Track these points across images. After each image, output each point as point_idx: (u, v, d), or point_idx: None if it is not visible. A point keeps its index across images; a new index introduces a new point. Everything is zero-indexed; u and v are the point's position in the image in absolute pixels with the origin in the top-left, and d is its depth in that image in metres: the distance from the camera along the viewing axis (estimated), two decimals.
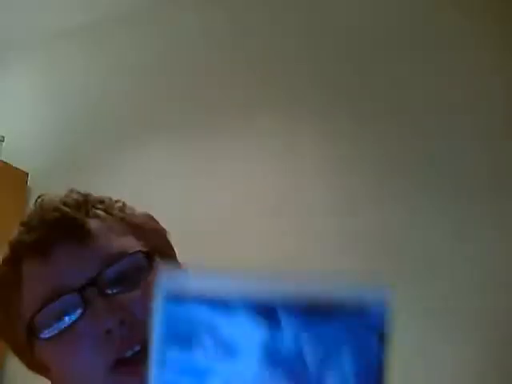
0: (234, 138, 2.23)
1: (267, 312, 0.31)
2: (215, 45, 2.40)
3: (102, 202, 0.73)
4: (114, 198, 0.76)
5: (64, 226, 0.67)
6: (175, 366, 0.31)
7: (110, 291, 0.64)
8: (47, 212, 0.68)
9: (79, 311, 0.63)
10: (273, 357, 0.31)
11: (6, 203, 2.48)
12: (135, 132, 2.45)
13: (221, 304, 0.31)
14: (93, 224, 0.68)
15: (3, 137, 2.59)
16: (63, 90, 2.72)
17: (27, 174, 2.59)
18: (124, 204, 0.76)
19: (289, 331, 0.31)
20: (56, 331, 0.64)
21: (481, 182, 1.81)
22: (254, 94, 2.24)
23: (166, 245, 0.75)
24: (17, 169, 2.56)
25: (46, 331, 0.64)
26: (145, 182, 2.25)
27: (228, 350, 0.31)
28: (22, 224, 0.71)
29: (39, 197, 0.72)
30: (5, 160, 2.53)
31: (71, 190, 0.73)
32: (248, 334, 0.31)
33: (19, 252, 0.69)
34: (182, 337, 0.31)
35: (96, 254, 0.66)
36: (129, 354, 0.62)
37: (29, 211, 0.72)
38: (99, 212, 0.71)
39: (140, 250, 0.67)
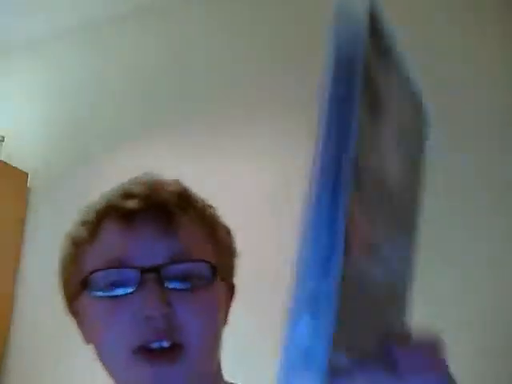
0: (234, 137, 2.23)
1: None
2: (215, 45, 2.40)
3: (197, 201, 0.74)
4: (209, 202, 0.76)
5: (159, 207, 0.68)
6: None
7: (167, 284, 0.65)
8: (152, 188, 0.70)
9: (132, 289, 0.64)
10: None
11: (6, 203, 2.48)
12: (135, 132, 2.45)
13: None
14: (183, 218, 0.70)
15: (3, 137, 2.59)
16: (63, 90, 2.72)
17: (27, 174, 2.59)
18: (214, 211, 0.77)
19: None
20: (105, 295, 0.66)
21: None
22: (254, 94, 2.24)
23: (231, 266, 0.76)
24: (17, 169, 2.56)
25: (98, 291, 0.66)
26: None
27: None
28: (121, 188, 0.72)
29: (146, 173, 0.74)
30: (5, 160, 2.53)
31: (176, 180, 0.74)
32: None
33: (105, 213, 0.70)
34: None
35: (172, 245, 0.67)
36: (155, 345, 0.64)
37: (134, 179, 0.73)
38: (191, 211, 0.72)
39: (210, 262, 0.68)
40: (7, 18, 2.70)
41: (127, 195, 0.70)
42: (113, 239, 0.68)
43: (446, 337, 0.42)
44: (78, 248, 0.71)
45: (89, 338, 0.72)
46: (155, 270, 0.65)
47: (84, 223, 0.72)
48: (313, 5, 2.25)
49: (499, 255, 1.73)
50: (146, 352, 0.64)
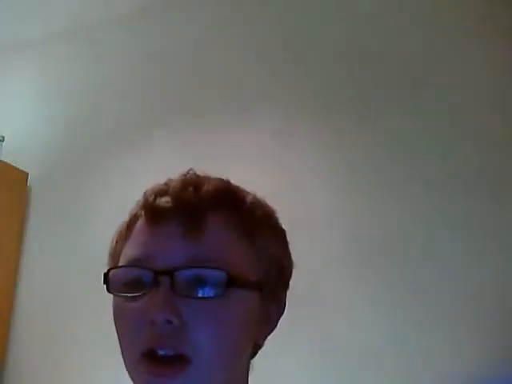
0: (234, 138, 2.23)
1: None
2: (215, 45, 2.40)
3: (243, 202, 0.70)
4: (260, 198, 0.72)
5: (188, 206, 0.65)
6: None
7: (179, 290, 0.62)
8: (187, 186, 0.67)
9: (145, 290, 0.62)
10: None
11: (5, 203, 2.48)
12: (135, 132, 2.45)
13: None
14: (215, 219, 0.66)
15: (3, 137, 2.59)
16: (63, 89, 2.72)
17: (27, 174, 2.59)
18: (268, 214, 0.72)
19: None
20: (119, 294, 0.64)
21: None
22: (255, 94, 2.24)
23: (275, 276, 0.70)
24: (17, 169, 2.56)
25: (114, 289, 0.65)
26: (145, 182, 2.24)
27: None
28: (165, 184, 0.70)
29: (191, 169, 0.71)
30: (5, 160, 2.53)
31: (219, 178, 0.70)
32: None
33: (141, 210, 0.69)
34: None
35: (192, 248, 0.64)
36: (161, 352, 0.61)
37: (180, 175, 0.71)
38: (229, 212, 0.68)
39: (227, 271, 0.63)
40: (7, 18, 2.70)
41: (160, 193, 0.68)
42: (139, 238, 0.67)
43: None
44: (117, 242, 0.71)
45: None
46: (168, 272, 0.62)
47: (128, 217, 0.71)
48: (312, 4, 2.25)
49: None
50: (152, 358, 0.61)
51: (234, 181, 0.73)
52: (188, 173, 0.71)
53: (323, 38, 2.19)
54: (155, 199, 0.67)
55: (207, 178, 0.70)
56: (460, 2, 2.01)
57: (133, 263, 0.65)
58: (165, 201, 0.66)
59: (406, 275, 1.81)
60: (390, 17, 2.10)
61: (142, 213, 0.68)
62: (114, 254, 0.70)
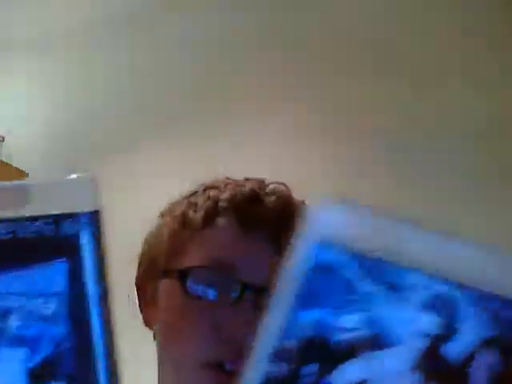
0: (234, 138, 2.23)
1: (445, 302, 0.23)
2: (215, 45, 2.40)
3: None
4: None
5: (283, 221, 0.61)
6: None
7: (262, 310, 0.57)
8: (283, 199, 0.64)
9: (225, 299, 0.59)
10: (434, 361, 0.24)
11: None
12: (136, 132, 2.45)
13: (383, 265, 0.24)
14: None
15: (3, 137, 2.58)
16: (63, 89, 2.71)
17: (27, 174, 2.58)
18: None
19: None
20: (198, 294, 0.61)
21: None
22: (255, 94, 2.24)
23: None
24: (17, 169, 2.56)
25: (193, 288, 0.61)
26: (146, 183, 2.24)
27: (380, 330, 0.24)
28: (248, 189, 0.65)
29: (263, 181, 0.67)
30: (5, 160, 2.53)
31: (301, 200, 0.67)
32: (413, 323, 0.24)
33: (226, 208, 0.64)
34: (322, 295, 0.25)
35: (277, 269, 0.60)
36: (228, 366, 0.59)
37: (256, 181, 0.67)
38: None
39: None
40: (7, 17, 2.70)
41: (254, 199, 0.64)
42: (225, 239, 0.62)
43: None
44: (184, 229, 0.65)
45: (151, 321, 0.67)
46: (256, 289, 0.59)
47: (197, 207, 0.65)
48: (311, 5, 2.25)
49: None
50: (218, 369, 0.59)
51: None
52: (258, 180, 0.67)
53: (325, 36, 2.19)
54: (249, 204, 0.64)
55: (290, 192, 0.67)
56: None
57: (217, 266, 0.61)
58: (263, 209, 0.63)
59: None
60: (391, 15, 2.10)
61: (233, 213, 0.63)
62: (176, 238, 0.65)
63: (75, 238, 0.31)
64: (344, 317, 0.25)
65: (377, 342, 0.25)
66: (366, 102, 2.06)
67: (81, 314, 0.31)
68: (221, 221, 0.63)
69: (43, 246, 0.31)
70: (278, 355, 0.27)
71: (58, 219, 0.31)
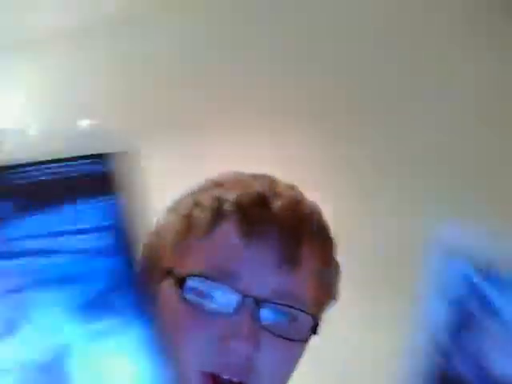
0: (234, 138, 2.23)
1: None
2: (215, 45, 2.40)
3: (325, 229, 0.64)
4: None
5: (291, 228, 0.59)
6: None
7: (261, 322, 0.57)
8: (292, 204, 0.61)
9: (225, 310, 0.57)
10: None
11: None
12: (136, 133, 2.44)
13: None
14: (309, 248, 0.60)
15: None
16: (63, 89, 2.71)
17: None
18: (334, 241, 0.65)
19: None
20: (196, 302, 0.58)
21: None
22: (255, 95, 2.24)
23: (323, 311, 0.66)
24: None
25: (191, 296, 0.58)
26: (154, 185, 2.23)
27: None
28: (255, 190, 0.62)
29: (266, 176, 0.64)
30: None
31: (313, 202, 0.64)
32: None
33: (230, 211, 0.61)
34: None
35: (284, 281, 0.59)
36: (226, 378, 0.57)
37: (265, 180, 0.64)
38: (317, 242, 0.62)
39: (315, 317, 0.60)
40: (7, 17, 2.69)
41: (261, 202, 0.60)
42: (228, 246, 0.60)
43: None
44: (189, 231, 0.62)
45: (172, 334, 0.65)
46: (257, 301, 0.57)
47: (202, 208, 0.62)
48: (312, 4, 2.25)
49: None
50: (215, 379, 0.57)
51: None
52: (268, 180, 0.64)
53: (323, 36, 2.19)
54: (252, 207, 0.60)
55: (302, 195, 0.64)
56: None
57: (218, 274, 0.58)
58: (268, 214, 0.60)
59: None
60: (392, 14, 2.10)
61: (237, 217, 0.60)
62: (179, 239, 0.62)
63: (117, 176, 0.33)
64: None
65: None
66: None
67: (130, 247, 0.32)
68: (225, 225, 0.60)
69: (90, 184, 0.32)
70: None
71: (98, 159, 0.33)
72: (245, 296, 0.57)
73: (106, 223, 0.32)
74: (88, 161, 0.33)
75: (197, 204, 0.63)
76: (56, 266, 0.31)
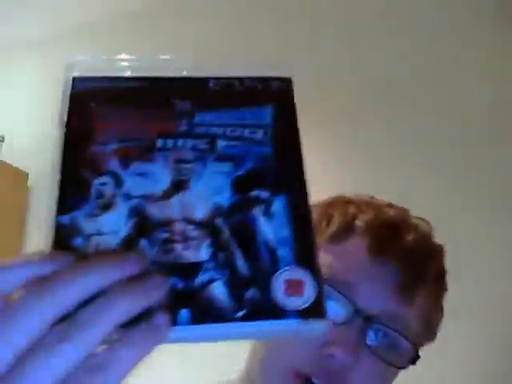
0: None
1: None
2: (216, 45, 2.40)
3: (442, 265, 0.66)
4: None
5: (416, 257, 0.61)
6: None
7: (367, 339, 0.59)
8: (421, 233, 0.63)
9: (336, 318, 0.58)
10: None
11: (6, 203, 2.48)
12: None
13: None
14: (428, 288, 0.62)
15: (3, 137, 2.58)
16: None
17: (27, 174, 2.58)
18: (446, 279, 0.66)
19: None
20: None
21: None
22: None
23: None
24: (17, 169, 2.56)
25: None
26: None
27: None
28: (389, 215, 0.64)
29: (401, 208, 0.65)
30: (5, 160, 2.53)
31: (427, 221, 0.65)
32: None
33: (365, 228, 0.62)
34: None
35: (400, 306, 0.60)
36: (317, 381, 0.58)
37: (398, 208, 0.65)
38: (431, 279, 0.63)
39: (416, 351, 0.61)
40: (7, 17, 2.70)
41: (391, 227, 0.62)
42: (352, 260, 0.61)
43: None
44: (321, 231, 0.64)
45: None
46: (367, 318, 0.58)
47: (331, 220, 0.64)
48: (314, 3, 2.25)
49: None
50: (303, 382, 0.58)
51: None
52: (402, 209, 0.66)
53: (325, 32, 2.19)
54: (385, 230, 0.62)
55: (431, 227, 0.65)
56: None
57: (337, 284, 0.59)
58: (395, 241, 0.61)
59: None
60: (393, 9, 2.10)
61: (365, 236, 0.62)
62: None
63: (278, 90, 0.41)
64: None
65: None
66: None
67: (284, 141, 0.39)
68: (352, 240, 0.62)
69: (255, 95, 0.41)
70: None
71: (261, 79, 0.42)
72: (357, 310, 0.58)
73: (265, 122, 0.39)
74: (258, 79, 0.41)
75: (325, 215, 0.65)
76: (221, 147, 0.38)
